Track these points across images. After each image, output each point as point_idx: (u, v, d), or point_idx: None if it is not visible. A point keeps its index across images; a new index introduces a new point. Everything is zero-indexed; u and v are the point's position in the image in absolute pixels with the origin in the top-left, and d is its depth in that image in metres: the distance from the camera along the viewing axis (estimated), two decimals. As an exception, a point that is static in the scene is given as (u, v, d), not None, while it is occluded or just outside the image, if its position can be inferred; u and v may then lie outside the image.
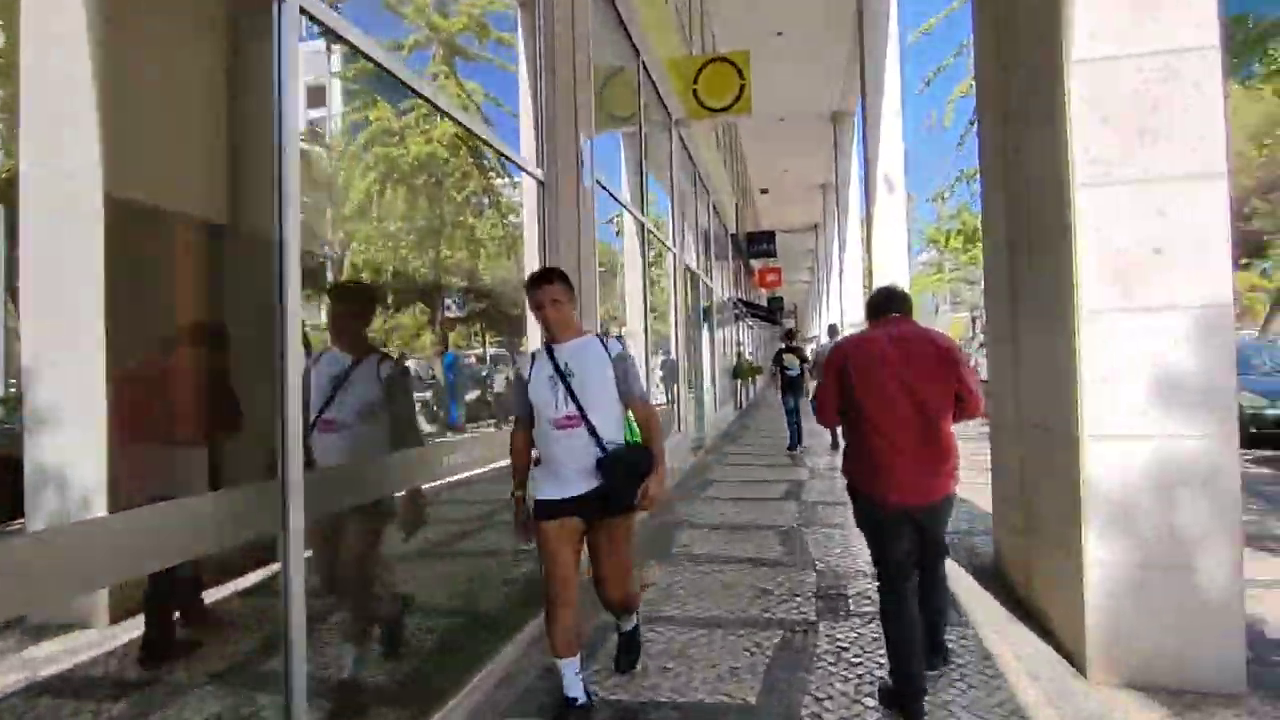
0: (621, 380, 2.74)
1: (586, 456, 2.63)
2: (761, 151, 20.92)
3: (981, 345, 18.30)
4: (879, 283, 11.38)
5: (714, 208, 12.53)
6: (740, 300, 17.01)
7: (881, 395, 2.69)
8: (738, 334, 19.46)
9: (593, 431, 2.64)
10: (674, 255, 8.07)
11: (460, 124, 3.37)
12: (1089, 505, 2.95)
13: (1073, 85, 3.00)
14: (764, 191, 25.12)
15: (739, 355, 17.35)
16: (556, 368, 2.68)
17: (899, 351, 2.71)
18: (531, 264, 4.13)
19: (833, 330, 15.60)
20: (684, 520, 5.95)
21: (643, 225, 6.45)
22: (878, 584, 2.83)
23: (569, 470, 2.65)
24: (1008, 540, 4.14)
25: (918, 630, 2.69)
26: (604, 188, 5.28)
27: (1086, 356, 2.97)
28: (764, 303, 31.30)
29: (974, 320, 52.40)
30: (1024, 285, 3.65)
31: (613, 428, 2.70)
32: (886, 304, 2.93)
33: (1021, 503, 3.82)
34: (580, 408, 2.64)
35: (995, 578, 4.18)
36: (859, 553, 4.73)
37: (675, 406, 8.19)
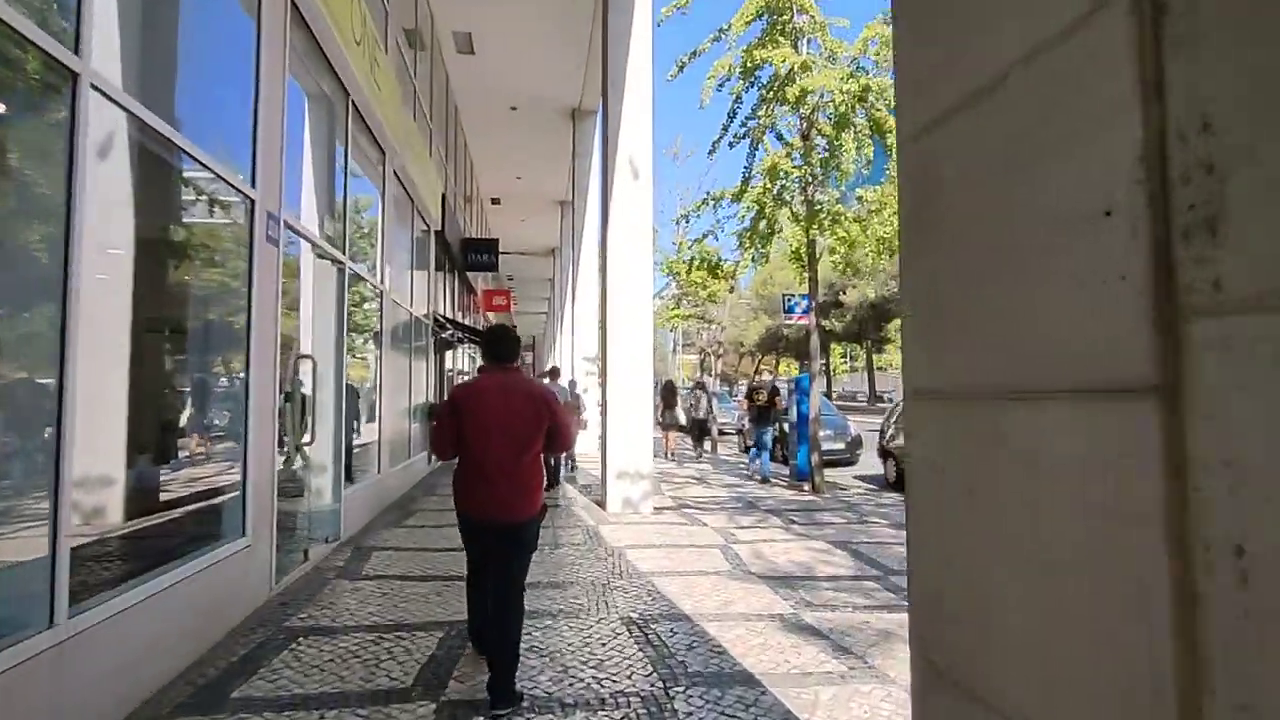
0: None
1: None
2: (492, 151, 17.70)
3: (699, 387, 16.69)
4: (616, 310, 8.66)
5: (397, 176, 8.84)
6: (448, 320, 13.36)
7: (482, 432, 3.21)
8: (448, 363, 15.71)
9: None
10: (251, 204, 4.30)
11: None
12: None
13: None
14: (495, 201, 21.89)
15: (440, 393, 13.64)
16: None
17: (501, 396, 3.26)
18: None
19: (554, 373, 12.25)
20: None
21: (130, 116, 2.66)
22: (467, 573, 3.60)
23: None
24: None
25: (486, 607, 3.37)
26: None
27: None
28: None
29: (701, 361, 54.26)
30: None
31: None
32: (498, 353, 3.40)
33: None
34: None
35: None
36: None
37: (241, 488, 4.31)
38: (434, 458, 11.94)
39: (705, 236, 12.18)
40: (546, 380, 11.60)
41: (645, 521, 7.58)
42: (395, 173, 8.67)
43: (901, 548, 6.36)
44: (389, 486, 8.68)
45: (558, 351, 24.44)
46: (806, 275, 10.41)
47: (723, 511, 8.32)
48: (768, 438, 11.68)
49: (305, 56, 5.42)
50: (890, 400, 53.85)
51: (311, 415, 5.67)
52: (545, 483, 3.56)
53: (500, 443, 3.20)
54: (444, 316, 13.07)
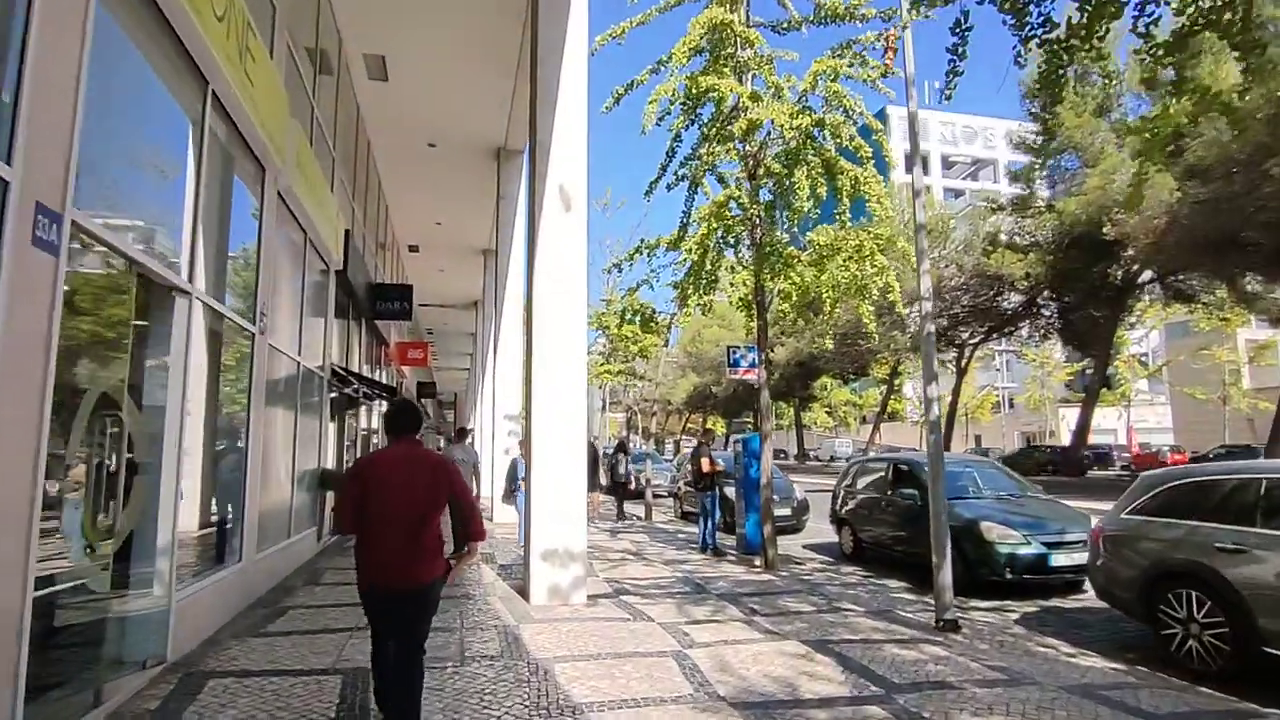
0: None
1: None
2: (409, 193, 16.41)
3: (620, 449, 15.64)
4: (544, 359, 7.44)
5: (283, 200, 7.45)
6: (351, 374, 11.73)
7: (383, 503, 3.29)
8: (356, 423, 13.97)
9: None
10: (4, 187, 2.91)
11: None
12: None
13: None
14: (413, 249, 20.45)
15: (341, 457, 11.92)
16: None
17: (402, 468, 3.36)
18: None
19: (462, 434, 11.85)
20: None
21: None
22: (371, 647, 3.52)
23: None
24: None
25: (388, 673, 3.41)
26: None
27: None
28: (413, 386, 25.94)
29: (629, 420, 52.76)
30: None
31: None
32: (399, 426, 3.52)
33: None
34: None
35: None
36: None
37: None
38: (324, 534, 10.17)
39: (638, 288, 11.17)
40: (452, 440, 10.80)
41: (577, 617, 6.19)
42: (281, 195, 7.29)
43: (896, 648, 5.21)
44: (256, 577, 6.96)
45: (480, 410, 22.75)
46: (755, 324, 9.50)
47: (669, 599, 7.02)
48: (711, 504, 10.52)
49: (135, 8, 4.12)
50: (818, 458, 54.00)
51: (122, 495, 4.13)
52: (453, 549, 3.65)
53: (400, 511, 3.30)
54: (345, 369, 11.47)
